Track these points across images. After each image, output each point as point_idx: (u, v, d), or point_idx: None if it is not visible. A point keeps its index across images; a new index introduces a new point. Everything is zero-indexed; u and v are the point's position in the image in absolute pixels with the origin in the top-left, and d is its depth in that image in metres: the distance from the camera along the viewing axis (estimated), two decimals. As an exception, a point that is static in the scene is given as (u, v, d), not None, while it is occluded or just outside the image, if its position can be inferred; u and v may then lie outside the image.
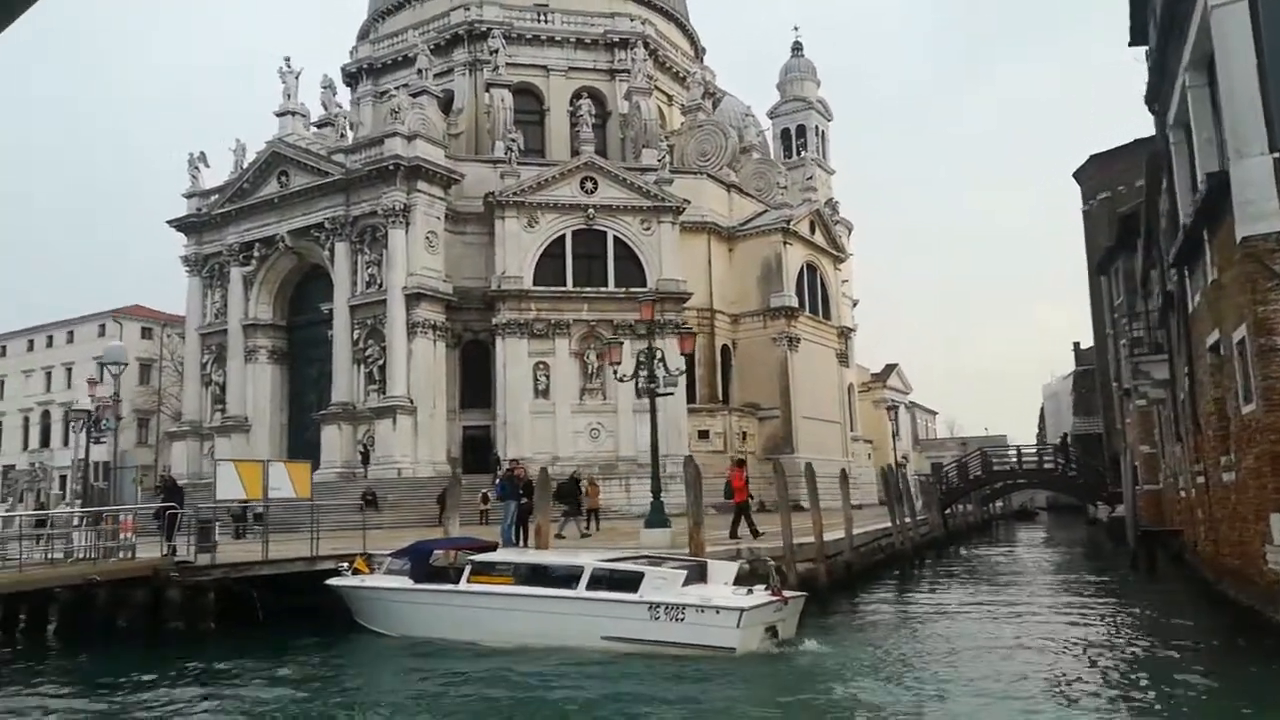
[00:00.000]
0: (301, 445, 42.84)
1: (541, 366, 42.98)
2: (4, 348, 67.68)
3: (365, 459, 40.75)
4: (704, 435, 45.70)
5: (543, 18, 53.35)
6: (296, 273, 46.51)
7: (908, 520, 27.82)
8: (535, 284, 43.11)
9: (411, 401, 41.20)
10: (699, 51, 63.16)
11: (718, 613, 12.35)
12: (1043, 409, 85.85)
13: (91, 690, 12.19)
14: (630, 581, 13.16)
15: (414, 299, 41.84)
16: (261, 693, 11.96)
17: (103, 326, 62.27)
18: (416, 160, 42.58)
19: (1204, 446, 15.93)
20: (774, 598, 12.78)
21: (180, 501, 18.25)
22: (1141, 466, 31.51)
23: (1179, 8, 13.73)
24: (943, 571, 26.73)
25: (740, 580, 13.92)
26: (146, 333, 63.15)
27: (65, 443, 53.99)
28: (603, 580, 13.33)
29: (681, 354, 41.12)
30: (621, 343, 32.70)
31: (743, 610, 12.22)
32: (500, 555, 15.32)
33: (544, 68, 53.09)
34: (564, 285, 43.48)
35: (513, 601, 13.86)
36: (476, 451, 43.34)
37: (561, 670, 12.39)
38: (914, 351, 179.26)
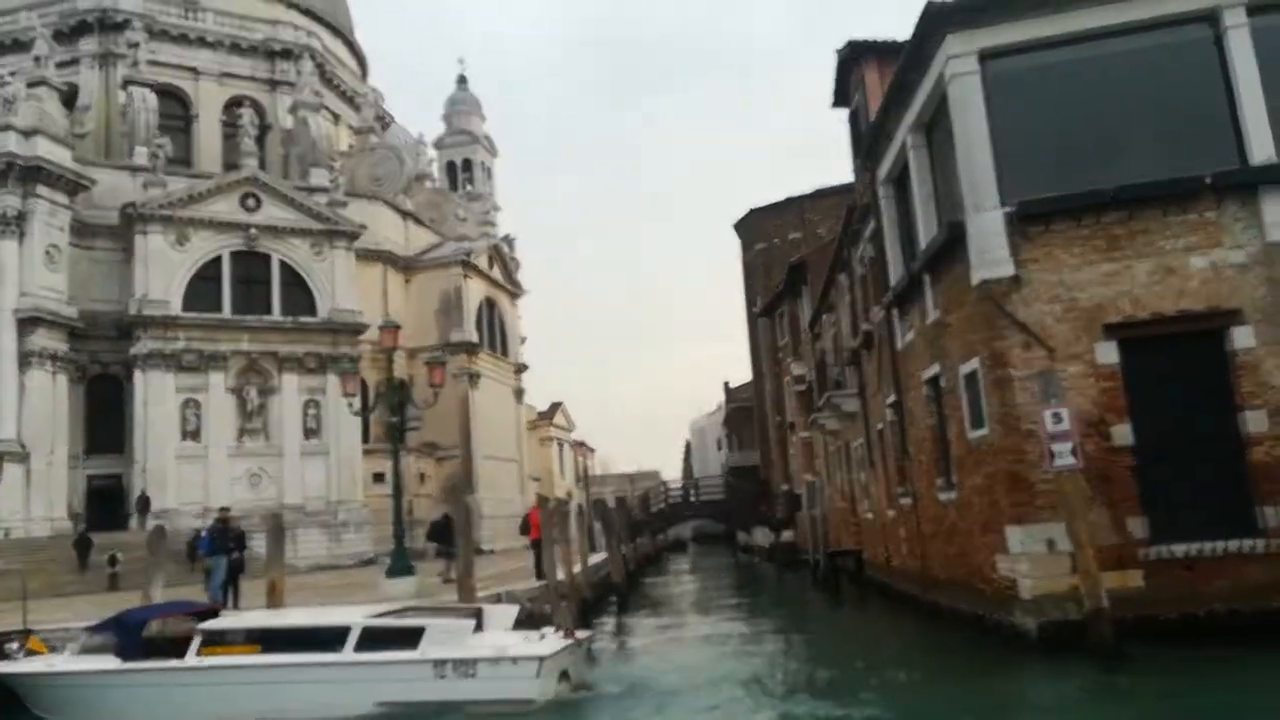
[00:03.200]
0: None
1: (192, 404, 38.55)
2: None
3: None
4: (379, 478, 43.36)
5: (192, 15, 48.71)
6: None
7: (624, 552, 28.33)
8: (185, 310, 38.68)
9: (23, 446, 34.97)
10: (365, 71, 61.09)
11: (514, 663, 11.58)
12: (688, 444, 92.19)
13: None
14: (409, 636, 11.95)
15: (29, 324, 35.75)
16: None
17: None
18: (36, 160, 36.70)
19: (914, 470, 17.87)
20: (568, 640, 12.27)
21: None
22: (804, 493, 34.83)
23: (908, 77, 15.47)
24: (656, 601, 27.54)
25: (520, 624, 13.22)
26: None
27: None
28: (375, 638, 11.98)
29: (345, 395, 39.43)
30: (356, 372, 29.52)
31: (542, 658, 11.57)
32: (237, 620, 13.22)
33: (193, 70, 48.36)
34: (221, 312, 39.47)
35: (261, 673, 12.00)
36: (106, 504, 37.69)
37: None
38: (568, 387, 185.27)
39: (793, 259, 35.07)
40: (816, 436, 31.33)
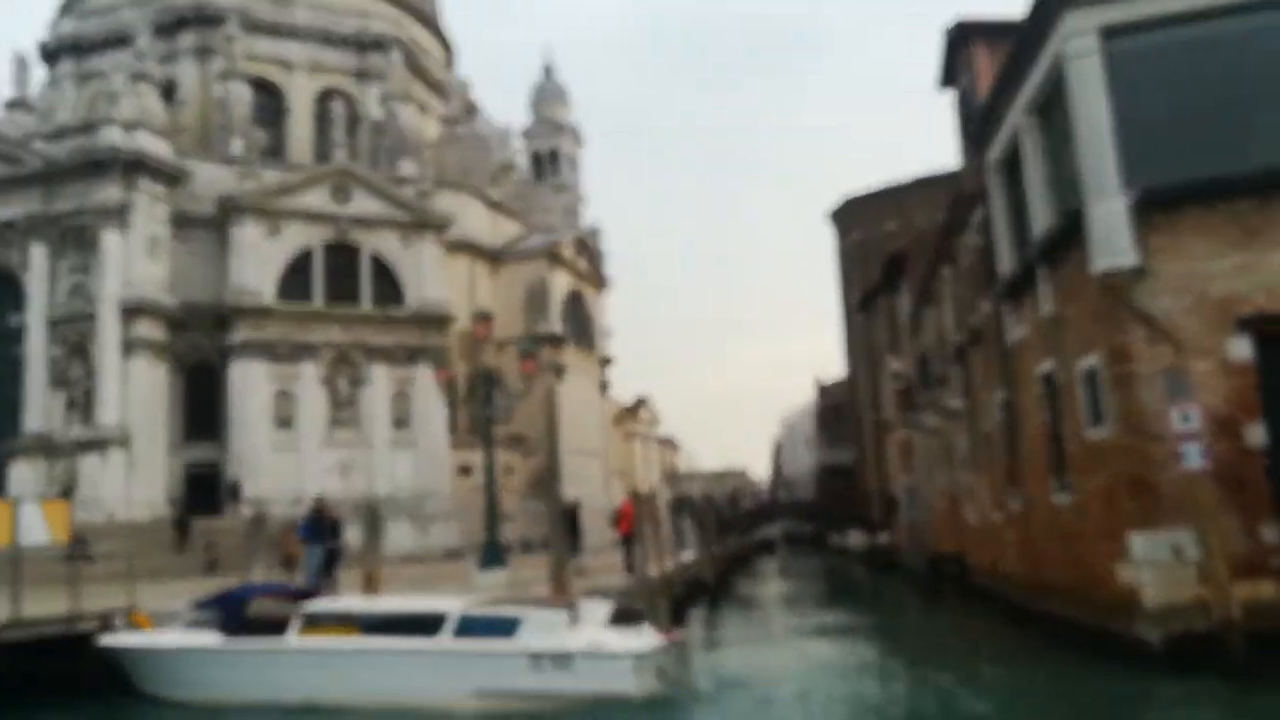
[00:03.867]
0: (-20, 485, 36.75)
1: (284, 394, 39.91)
2: None
3: (66, 500, 35.61)
4: (466, 471, 44.34)
5: (285, 7, 50.22)
6: (-25, 278, 40.10)
7: (714, 552, 28.40)
8: (279, 300, 40.08)
9: (126, 432, 36.70)
10: (451, 60, 62.21)
11: (612, 658, 11.76)
12: (777, 442, 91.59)
13: None
14: (505, 627, 12.24)
15: (131, 313, 37.47)
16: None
17: None
18: (137, 153, 38.39)
19: (1025, 471, 17.46)
20: (665, 638, 12.39)
21: None
22: (902, 494, 34.32)
23: (1022, 57, 15.11)
24: (747, 601, 27.54)
25: (613, 620, 13.38)
26: None
27: None
28: (472, 627, 12.31)
29: (441, 386, 40.28)
30: (448, 364, 29.90)
31: (639, 654, 11.72)
32: (336, 603, 13.73)
33: (286, 62, 49.91)
34: (312, 303, 40.77)
35: (360, 656, 12.46)
36: (202, 490, 39.32)
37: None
38: (653, 381, 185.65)
39: (891, 250, 34.53)
40: (916, 436, 30.82)
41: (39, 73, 48.67)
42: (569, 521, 21.44)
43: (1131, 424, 12.56)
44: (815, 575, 42.44)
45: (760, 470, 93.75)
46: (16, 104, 42.78)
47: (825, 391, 59.27)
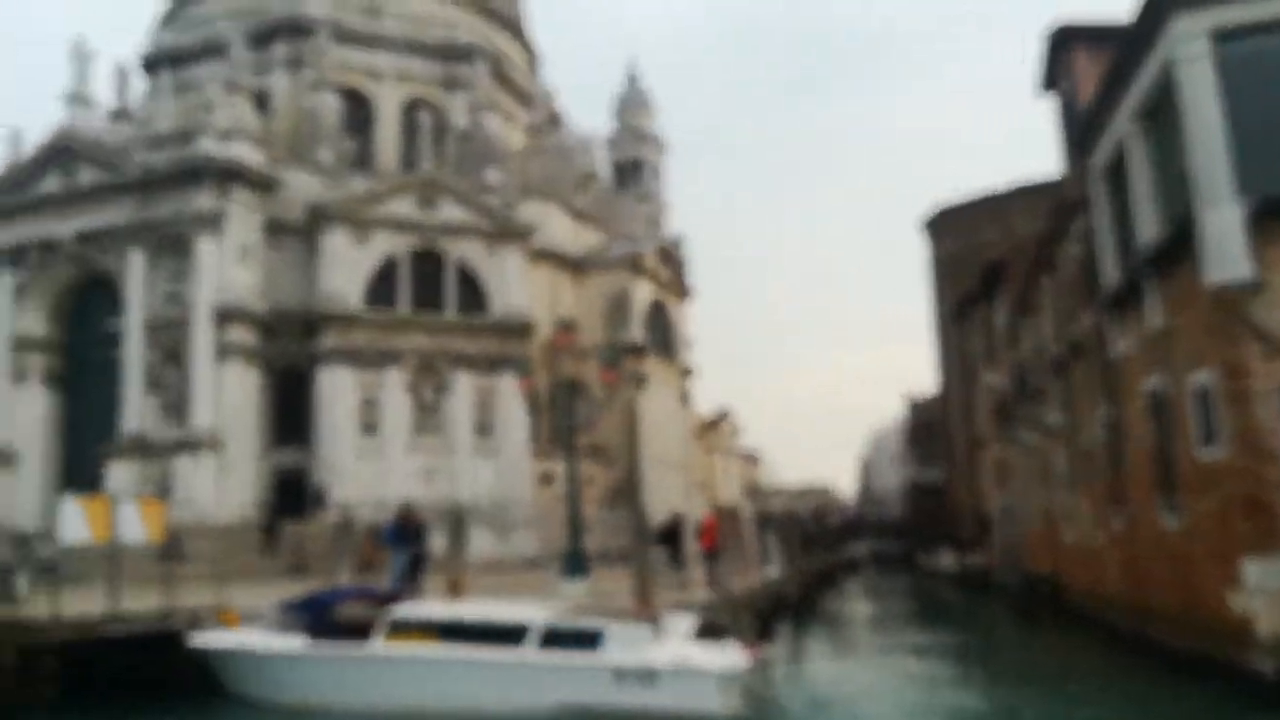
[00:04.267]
0: (81, 483, 38.15)
1: (370, 400, 40.85)
2: None
3: (162, 500, 37.11)
4: (547, 480, 44.79)
5: (374, 18, 51.57)
6: (78, 283, 42.10)
7: (799, 568, 28.19)
8: (365, 307, 41.12)
9: (218, 436, 38.05)
10: (537, 69, 63.09)
11: (698, 675, 11.78)
12: (863, 458, 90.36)
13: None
14: (589, 639, 12.36)
15: (224, 318, 38.84)
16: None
17: None
18: (232, 161, 39.82)
19: (1128, 491, 16.95)
20: (751, 655, 12.35)
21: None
22: (996, 513, 33.53)
23: (1128, 61, 14.74)
24: (832, 619, 27.28)
25: (697, 635, 13.40)
26: None
27: None
28: (556, 638, 12.46)
29: (524, 395, 40.76)
30: (531, 372, 30.07)
31: (725, 672, 11.72)
32: (421, 609, 14.04)
33: (374, 72, 51.19)
34: (398, 310, 41.71)
35: (444, 664, 12.71)
36: (289, 494, 40.52)
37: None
38: (735, 393, 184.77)
39: (988, 259, 33.86)
40: (1011, 452, 30.12)
41: (139, 84, 50.87)
42: (670, 535, 21.55)
43: (1247, 443, 12.13)
44: (903, 594, 41.79)
45: (845, 487, 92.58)
46: (118, 114, 44.72)
47: (915, 407, 58.29)
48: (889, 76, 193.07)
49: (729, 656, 12.13)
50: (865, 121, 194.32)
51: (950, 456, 44.64)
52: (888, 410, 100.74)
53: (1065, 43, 19.36)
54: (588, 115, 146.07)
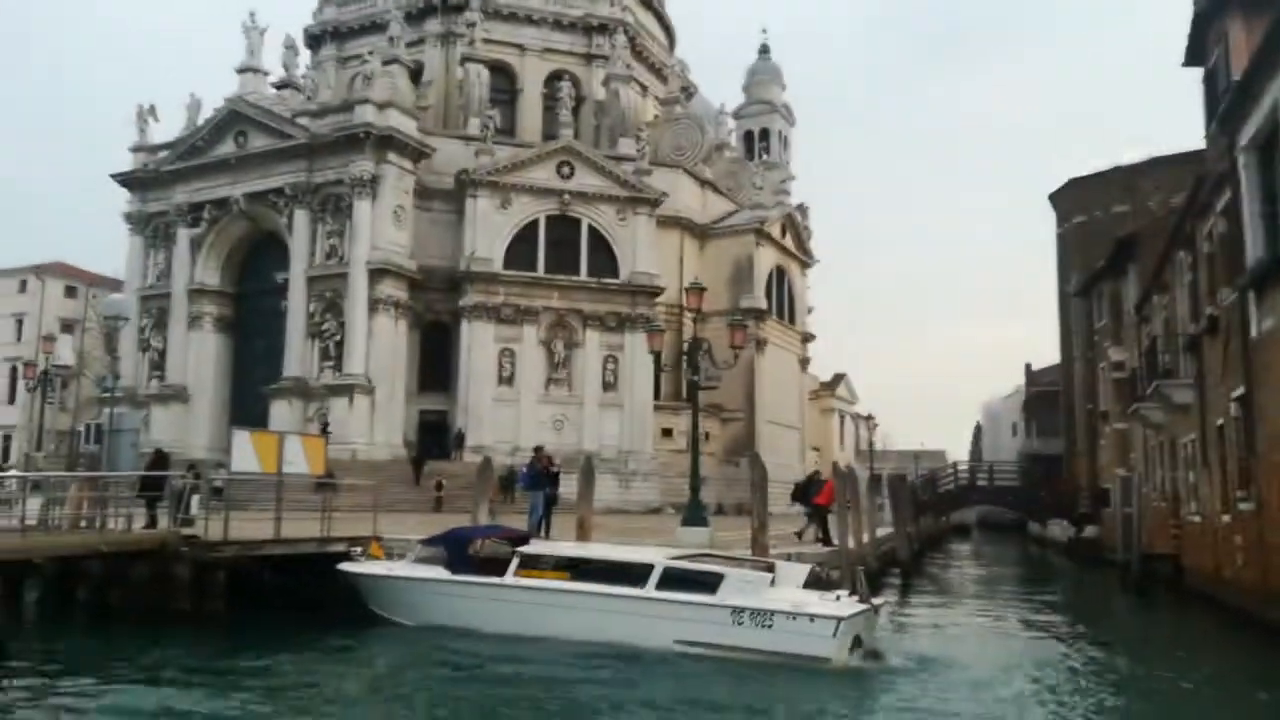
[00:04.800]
0: (246, 420, 40.21)
1: (507, 353, 41.82)
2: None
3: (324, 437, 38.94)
4: (667, 433, 45.08)
5: (521, -6, 51.91)
6: (248, 239, 44.29)
7: (909, 530, 27.59)
8: (506, 268, 41.91)
9: (370, 381, 39.60)
10: (672, 42, 62.56)
11: (812, 620, 11.61)
12: (978, 426, 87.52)
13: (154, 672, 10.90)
14: (708, 582, 12.33)
15: (378, 274, 40.23)
16: (312, 682, 10.86)
17: (23, 282, 58.36)
18: (388, 130, 40.94)
19: (1262, 472, 15.82)
20: (865, 605, 12.10)
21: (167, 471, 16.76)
22: (1115, 488, 31.91)
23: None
24: (941, 582, 26.63)
25: (808, 586, 13.20)
26: (70, 292, 59.43)
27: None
28: (675, 579, 12.47)
29: (650, 351, 40.85)
30: (663, 330, 29.76)
31: (840, 619, 11.51)
32: (549, 548, 14.29)
33: (519, 46, 51.69)
34: (535, 271, 42.38)
35: (570, 598, 12.91)
36: (432, 436, 41.95)
37: (629, 673, 11.52)
38: (852, 358, 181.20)
39: (1120, 234, 31.97)
40: (1135, 429, 28.59)
41: (304, 56, 52.68)
42: (804, 492, 21.40)
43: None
44: (1013, 561, 40.46)
45: (957, 453, 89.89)
46: (285, 84, 46.46)
47: (1034, 378, 55.94)
48: (1024, 46, 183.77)
49: (843, 605, 11.92)
50: (995, 95, 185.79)
51: (1069, 429, 42.73)
52: (1004, 381, 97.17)
53: (1217, 11, 17.91)
54: (719, 85, 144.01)
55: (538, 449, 20.82)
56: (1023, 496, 42.30)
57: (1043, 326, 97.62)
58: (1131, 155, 47.12)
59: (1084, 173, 41.30)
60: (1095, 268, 35.27)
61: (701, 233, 49.32)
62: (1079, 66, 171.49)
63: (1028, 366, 57.97)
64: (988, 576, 30.61)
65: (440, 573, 13.98)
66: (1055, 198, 43.60)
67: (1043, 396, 50.93)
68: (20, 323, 57.75)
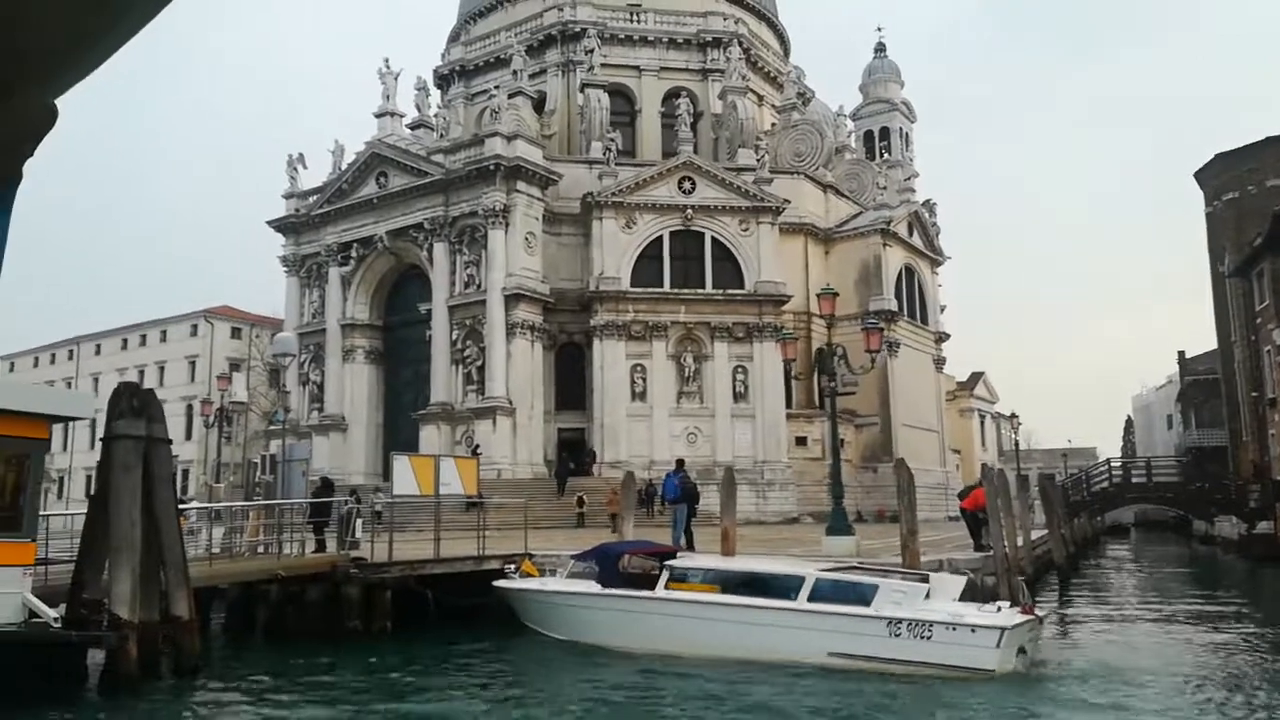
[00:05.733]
0: (398, 445, 42.10)
1: (639, 369, 42.09)
2: (99, 346, 68.48)
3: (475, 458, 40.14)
4: (801, 441, 44.39)
5: (635, 18, 52.55)
6: (393, 273, 46.21)
7: (1063, 532, 26.24)
8: (633, 285, 42.24)
9: (510, 402, 40.54)
10: (787, 50, 61.96)
11: (973, 631, 11.13)
12: (1129, 420, 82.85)
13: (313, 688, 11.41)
14: (861, 594, 11.98)
15: (513, 299, 41.20)
16: (465, 697, 11.08)
17: (194, 326, 62.72)
18: (517, 160, 41.97)
19: None
20: (1027, 615, 11.51)
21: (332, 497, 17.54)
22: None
23: None
24: (1099, 585, 25.19)
25: (964, 596, 12.65)
26: (235, 333, 63.50)
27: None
28: (827, 592, 12.17)
29: (784, 360, 40.39)
30: (794, 338, 29.51)
31: (1004, 629, 10.98)
32: (698, 561, 14.21)
33: (636, 68, 52.26)
34: (661, 286, 42.56)
35: (721, 611, 12.78)
36: (570, 453, 42.56)
37: (786, 687, 11.28)
38: (990, 357, 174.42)
39: (1277, 208, 29.68)
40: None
41: (435, 96, 54.68)
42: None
43: None
44: (1176, 561, 37.98)
45: (1107, 450, 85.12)
46: (419, 124, 48.36)
47: (1189, 367, 52.46)
48: (1161, 29, 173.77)
49: (1005, 615, 11.37)
50: (1129, 77, 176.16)
51: (1232, 418, 39.84)
52: (1152, 371, 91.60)
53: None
54: (836, 89, 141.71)
55: (680, 462, 20.80)
56: (1184, 492, 39.58)
57: (1190, 312, 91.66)
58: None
59: (1233, 147, 38.58)
60: (1252, 245, 32.84)
61: (826, 237, 48.53)
62: (1217, 45, 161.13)
63: (1181, 354, 54.46)
64: (1151, 579, 28.79)
65: (592, 587, 14.09)
66: (1201, 175, 40.92)
67: (1200, 385, 47.69)
68: (193, 364, 61.98)
